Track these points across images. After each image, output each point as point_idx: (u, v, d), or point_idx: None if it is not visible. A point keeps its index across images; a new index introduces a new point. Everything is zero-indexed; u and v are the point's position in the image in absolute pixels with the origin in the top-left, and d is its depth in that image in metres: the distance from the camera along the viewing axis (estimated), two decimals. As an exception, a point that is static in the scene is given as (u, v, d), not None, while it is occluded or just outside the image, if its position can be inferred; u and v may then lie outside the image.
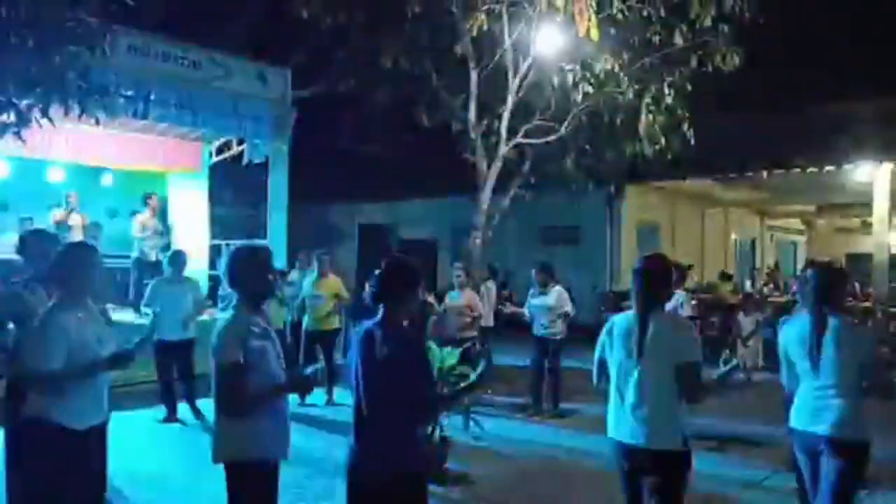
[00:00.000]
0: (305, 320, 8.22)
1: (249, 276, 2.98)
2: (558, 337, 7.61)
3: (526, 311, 7.82)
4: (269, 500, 2.93)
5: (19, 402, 3.16)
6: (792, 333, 3.57)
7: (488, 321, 9.22)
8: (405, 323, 2.93)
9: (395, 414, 2.74)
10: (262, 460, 2.89)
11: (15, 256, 4.55)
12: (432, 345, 5.90)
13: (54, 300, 3.25)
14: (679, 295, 7.05)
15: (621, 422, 3.17)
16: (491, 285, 9.92)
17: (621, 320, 3.26)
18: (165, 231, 10.68)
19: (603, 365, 3.30)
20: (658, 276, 3.24)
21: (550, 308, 7.56)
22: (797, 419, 3.50)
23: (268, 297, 3.11)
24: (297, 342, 8.32)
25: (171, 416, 6.91)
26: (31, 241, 4.32)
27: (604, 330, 3.32)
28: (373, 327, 2.86)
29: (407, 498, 2.81)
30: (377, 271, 2.91)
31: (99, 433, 3.27)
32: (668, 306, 6.72)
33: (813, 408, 3.41)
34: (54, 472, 3.06)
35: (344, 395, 7.32)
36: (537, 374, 7.77)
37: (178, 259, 7.18)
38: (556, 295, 7.59)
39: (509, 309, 8.70)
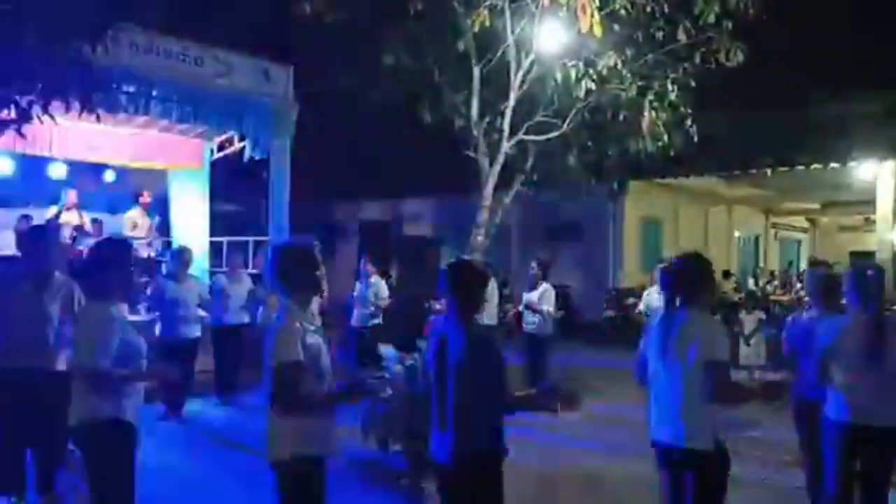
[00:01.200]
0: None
1: (297, 273, 2.93)
2: (540, 334, 7.63)
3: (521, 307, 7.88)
4: (322, 499, 2.93)
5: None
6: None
7: (492, 320, 9.21)
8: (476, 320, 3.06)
9: (477, 407, 2.90)
10: (318, 457, 2.88)
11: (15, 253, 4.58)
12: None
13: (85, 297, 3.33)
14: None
15: (658, 421, 3.17)
16: (492, 284, 9.90)
17: (656, 318, 3.28)
18: (157, 228, 10.72)
19: (645, 362, 3.28)
20: (688, 275, 3.24)
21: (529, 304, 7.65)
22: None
23: (316, 294, 3.06)
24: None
25: (173, 413, 6.88)
26: (29, 238, 4.32)
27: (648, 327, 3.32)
28: (448, 326, 2.98)
29: (489, 485, 2.97)
30: (445, 273, 3.05)
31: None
32: (654, 301, 6.79)
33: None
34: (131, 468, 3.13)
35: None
36: (525, 371, 7.78)
37: (183, 257, 7.11)
38: (540, 292, 7.60)
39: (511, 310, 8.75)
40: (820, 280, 3.94)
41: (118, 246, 3.40)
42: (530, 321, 7.66)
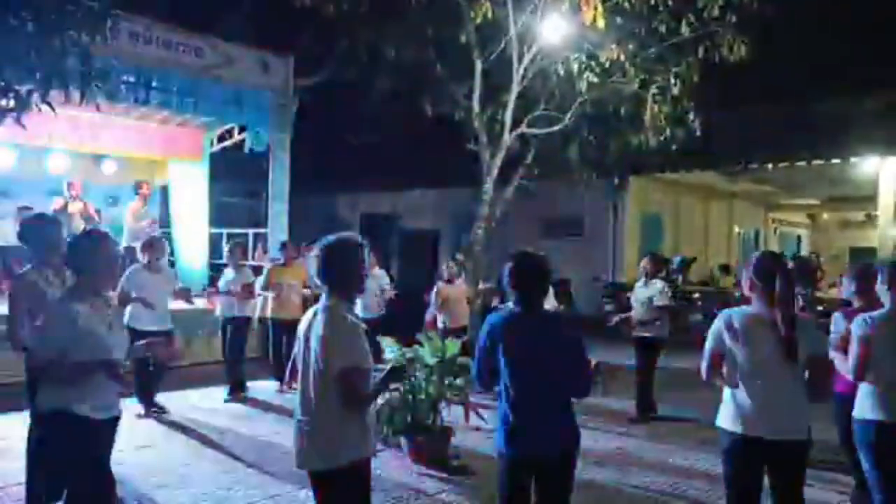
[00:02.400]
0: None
1: (346, 269, 2.84)
2: None
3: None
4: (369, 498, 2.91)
5: (35, 392, 3.14)
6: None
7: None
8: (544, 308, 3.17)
9: (555, 393, 3.03)
10: (367, 458, 2.84)
11: (18, 243, 4.50)
12: (433, 335, 5.89)
13: (68, 287, 3.22)
14: (657, 284, 6.96)
15: (755, 415, 3.07)
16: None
17: (741, 315, 3.16)
18: (156, 218, 10.67)
19: (717, 359, 3.18)
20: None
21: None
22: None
23: (361, 291, 2.97)
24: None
25: (149, 411, 6.54)
26: (33, 227, 4.24)
27: (719, 325, 3.18)
28: (518, 315, 3.07)
29: (564, 473, 3.06)
30: (511, 265, 3.11)
31: (113, 424, 3.23)
32: (644, 295, 6.80)
33: None
34: (72, 461, 3.05)
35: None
36: None
37: (155, 246, 6.69)
38: None
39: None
40: (876, 273, 3.82)
41: (94, 238, 3.31)
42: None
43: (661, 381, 7.16)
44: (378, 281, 8.55)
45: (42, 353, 3.09)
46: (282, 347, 7.76)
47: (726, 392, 3.20)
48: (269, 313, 7.95)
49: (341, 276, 2.82)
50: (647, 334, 6.84)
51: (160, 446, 5.71)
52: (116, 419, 3.22)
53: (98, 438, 3.12)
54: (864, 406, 3.55)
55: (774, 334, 3.03)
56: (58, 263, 3.98)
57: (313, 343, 2.74)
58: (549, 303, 7.55)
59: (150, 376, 6.45)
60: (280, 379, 7.81)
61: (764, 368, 3.06)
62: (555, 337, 3.08)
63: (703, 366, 3.21)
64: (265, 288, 7.82)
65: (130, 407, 6.19)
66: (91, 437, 3.06)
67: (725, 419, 3.17)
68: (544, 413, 3.03)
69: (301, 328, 2.88)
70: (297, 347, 2.90)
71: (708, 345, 3.20)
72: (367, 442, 2.82)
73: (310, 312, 2.90)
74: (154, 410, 6.58)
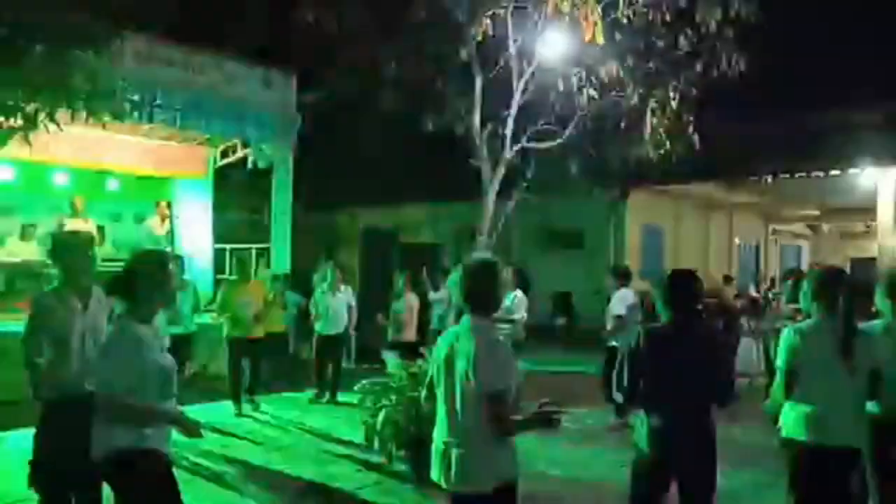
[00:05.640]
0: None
1: (488, 290, 2.85)
2: (512, 340, 7.67)
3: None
4: None
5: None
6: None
7: None
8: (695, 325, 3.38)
9: (704, 406, 3.25)
10: (513, 482, 2.81)
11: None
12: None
13: (124, 313, 2.95)
14: (625, 293, 7.36)
15: (832, 424, 3.29)
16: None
17: (811, 327, 3.41)
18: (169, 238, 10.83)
19: (795, 373, 3.35)
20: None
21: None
22: None
23: (497, 310, 2.96)
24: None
25: None
26: (66, 245, 3.92)
27: (792, 338, 3.37)
28: (672, 331, 3.29)
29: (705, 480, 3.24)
30: (667, 281, 3.36)
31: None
32: (615, 306, 7.06)
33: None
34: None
35: (348, 395, 7.35)
36: None
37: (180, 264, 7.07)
38: (511, 299, 7.59)
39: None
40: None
41: (154, 256, 3.18)
42: (503, 328, 7.68)
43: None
44: (347, 297, 8.61)
45: (108, 388, 2.80)
46: (239, 368, 7.55)
47: (793, 403, 3.38)
48: (225, 332, 7.64)
49: (485, 296, 2.84)
50: (613, 343, 7.18)
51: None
52: None
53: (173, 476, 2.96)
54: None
55: (837, 344, 3.28)
56: (85, 287, 3.76)
57: (460, 365, 2.73)
58: (520, 312, 7.66)
59: None
60: (238, 401, 7.53)
61: (827, 377, 3.29)
62: (705, 352, 3.30)
63: (781, 384, 3.37)
64: (222, 307, 7.58)
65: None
66: (171, 475, 2.93)
67: (797, 429, 3.36)
68: (688, 422, 3.22)
69: (441, 351, 2.87)
70: (432, 369, 2.94)
71: (785, 363, 3.36)
72: (514, 465, 2.80)
73: (449, 334, 2.91)
74: None
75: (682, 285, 3.40)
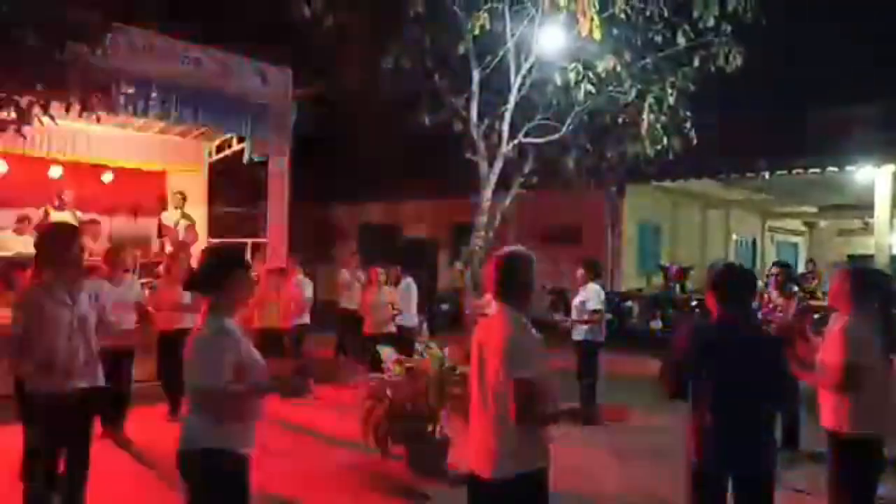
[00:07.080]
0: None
1: (523, 280, 2.87)
2: None
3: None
4: None
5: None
6: None
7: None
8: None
9: (763, 408, 3.16)
10: (544, 469, 2.82)
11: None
12: (433, 344, 5.90)
13: (208, 307, 2.90)
14: (596, 286, 7.45)
15: (881, 417, 3.39)
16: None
17: (864, 326, 3.41)
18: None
19: (858, 369, 3.35)
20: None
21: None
22: None
23: (530, 302, 2.95)
24: None
25: (106, 430, 6.08)
26: (49, 237, 3.90)
27: (855, 333, 3.37)
28: (727, 328, 3.16)
29: (765, 493, 3.12)
30: (723, 277, 3.24)
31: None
32: (578, 299, 7.08)
33: None
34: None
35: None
36: None
37: (118, 257, 6.33)
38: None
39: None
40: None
41: (236, 255, 3.20)
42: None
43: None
44: (306, 288, 8.93)
45: (210, 381, 2.75)
46: (170, 367, 6.43)
47: (853, 399, 3.36)
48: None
49: (520, 287, 2.86)
50: (580, 338, 7.29)
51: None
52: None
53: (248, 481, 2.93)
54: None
55: (880, 339, 3.33)
56: (73, 279, 3.73)
57: (489, 352, 2.76)
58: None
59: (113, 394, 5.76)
60: (174, 403, 6.69)
61: (878, 372, 3.34)
62: (759, 353, 3.16)
63: (848, 376, 3.31)
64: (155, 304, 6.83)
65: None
66: (247, 481, 2.91)
67: (857, 424, 3.37)
68: (744, 429, 3.11)
69: (476, 339, 2.90)
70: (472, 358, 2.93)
71: (852, 354, 3.31)
72: (540, 454, 2.80)
73: (485, 323, 2.94)
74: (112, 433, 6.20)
75: (738, 280, 3.28)
